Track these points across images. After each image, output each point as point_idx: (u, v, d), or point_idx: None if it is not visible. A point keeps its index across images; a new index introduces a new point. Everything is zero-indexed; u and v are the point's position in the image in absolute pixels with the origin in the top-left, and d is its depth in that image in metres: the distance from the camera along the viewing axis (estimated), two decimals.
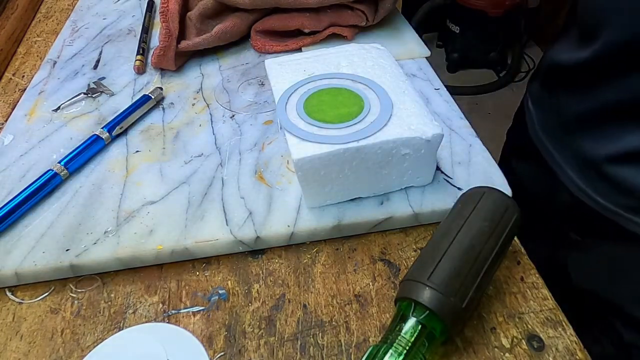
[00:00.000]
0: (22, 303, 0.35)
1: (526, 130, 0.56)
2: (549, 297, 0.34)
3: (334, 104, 0.38)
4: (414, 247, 0.37)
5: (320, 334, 0.32)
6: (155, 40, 0.60)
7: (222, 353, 0.32)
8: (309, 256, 0.37)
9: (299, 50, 0.57)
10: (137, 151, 0.45)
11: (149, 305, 0.34)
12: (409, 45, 0.57)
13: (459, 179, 0.40)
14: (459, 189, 0.39)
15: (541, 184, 0.54)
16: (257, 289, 0.35)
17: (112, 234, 0.37)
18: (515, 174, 0.55)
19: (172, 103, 0.51)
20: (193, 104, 0.50)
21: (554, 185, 0.51)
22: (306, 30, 0.57)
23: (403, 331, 0.28)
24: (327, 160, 0.34)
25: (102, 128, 0.45)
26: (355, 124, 0.36)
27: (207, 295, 0.35)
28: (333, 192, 0.37)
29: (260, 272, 0.36)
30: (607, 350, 0.49)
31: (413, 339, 0.28)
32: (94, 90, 0.53)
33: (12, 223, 0.38)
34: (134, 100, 0.49)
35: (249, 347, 0.32)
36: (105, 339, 0.32)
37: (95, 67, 0.57)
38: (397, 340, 0.28)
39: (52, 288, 0.36)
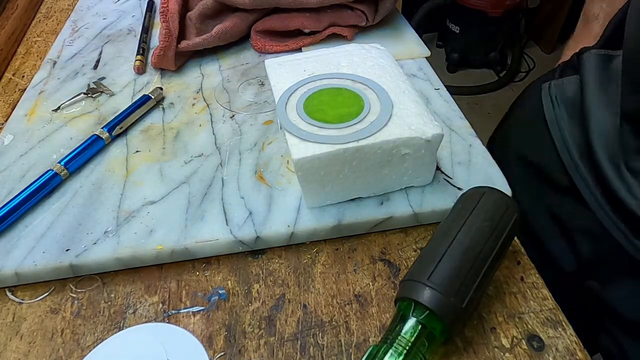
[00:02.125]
0: (22, 303, 0.35)
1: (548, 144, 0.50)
2: (549, 297, 0.34)
3: (334, 104, 0.38)
4: (414, 247, 0.37)
5: (320, 334, 0.32)
6: (155, 40, 0.60)
7: (222, 353, 0.32)
8: (309, 256, 0.37)
9: (299, 50, 0.57)
10: (137, 151, 0.45)
11: (149, 305, 0.34)
12: (409, 45, 0.57)
13: (459, 179, 0.40)
14: (459, 189, 0.39)
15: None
16: (257, 289, 0.35)
17: (112, 234, 0.37)
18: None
19: (172, 103, 0.51)
20: (193, 104, 0.50)
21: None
22: (306, 30, 0.57)
23: (403, 331, 0.28)
24: (327, 160, 0.34)
25: (102, 128, 0.45)
26: (355, 124, 0.36)
27: (207, 295, 0.35)
28: (333, 192, 0.37)
29: (260, 272, 0.36)
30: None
31: (413, 339, 0.28)
32: (94, 90, 0.53)
33: (12, 223, 0.38)
34: (134, 100, 0.49)
35: (249, 347, 0.32)
36: (105, 339, 0.32)
37: (95, 67, 0.57)
38: (397, 340, 0.28)
39: (52, 288, 0.36)
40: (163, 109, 0.50)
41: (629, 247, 0.42)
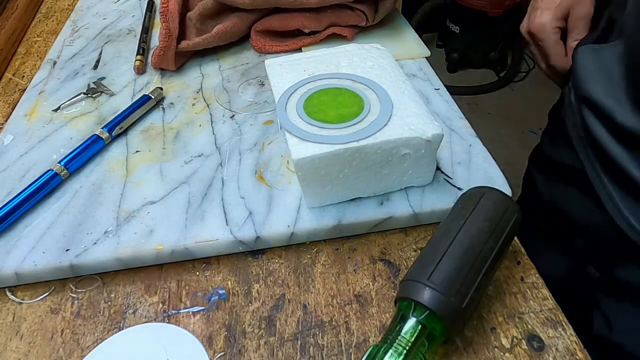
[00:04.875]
0: (22, 303, 0.35)
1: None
2: (549, 297, 0.34)
3: (334, 104, 0.38)
4: (414, 247, 0.37)
5: (320, 334, 0.32)
6: (155, 40, 0.60)
7: (222, 353, 0.32)
8: (309, 256, 0.37)
9: (299, 50, 0.57)
10: (137, 151, 0.45)
11: (149, 305, 0.34)
12: (409, 45, 0.57)
13: (459, 179, 0.40)
14: (459, 189, 0.39)
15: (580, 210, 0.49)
16: (257, 289, 0.35)
17: (112, 234, 0.37)
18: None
19: (172, 103, 0.51)
20: (193, 104, 0.50)
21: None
22: (306, 30, 0.57)
23: (403, 331, 0.28)
24: (327, 160, 0.34)
25: (102, 128, 0.45)
26: (355, 124, 0.36)
27: (207, 295, 0.35)
28: (333, 192, 0.37)
29: (260, 272, 0.36)
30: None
31: (413, 339, 0.28)
32: (94, 90, 0.53)
33: (12, 223, 0.38)
34: (134, 100, 0.49)
35: (249, 347, 0.32)
36: (105, 339, 0.32)
37: (95, 67, 0.57)
38: (397, 340, 0.28)
39: (52, 288, 0.36)
40: (163, 109, 0.50)
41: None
